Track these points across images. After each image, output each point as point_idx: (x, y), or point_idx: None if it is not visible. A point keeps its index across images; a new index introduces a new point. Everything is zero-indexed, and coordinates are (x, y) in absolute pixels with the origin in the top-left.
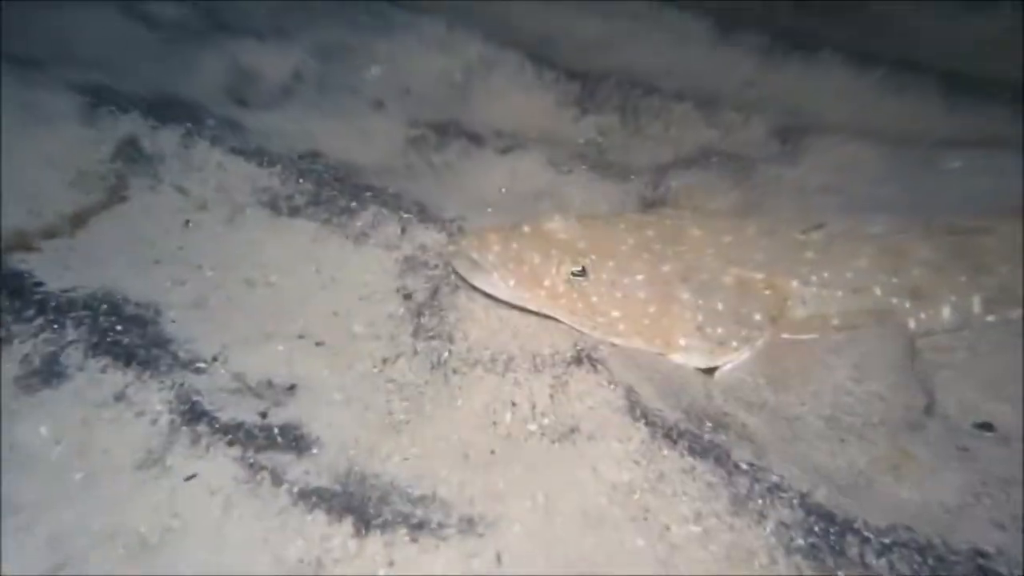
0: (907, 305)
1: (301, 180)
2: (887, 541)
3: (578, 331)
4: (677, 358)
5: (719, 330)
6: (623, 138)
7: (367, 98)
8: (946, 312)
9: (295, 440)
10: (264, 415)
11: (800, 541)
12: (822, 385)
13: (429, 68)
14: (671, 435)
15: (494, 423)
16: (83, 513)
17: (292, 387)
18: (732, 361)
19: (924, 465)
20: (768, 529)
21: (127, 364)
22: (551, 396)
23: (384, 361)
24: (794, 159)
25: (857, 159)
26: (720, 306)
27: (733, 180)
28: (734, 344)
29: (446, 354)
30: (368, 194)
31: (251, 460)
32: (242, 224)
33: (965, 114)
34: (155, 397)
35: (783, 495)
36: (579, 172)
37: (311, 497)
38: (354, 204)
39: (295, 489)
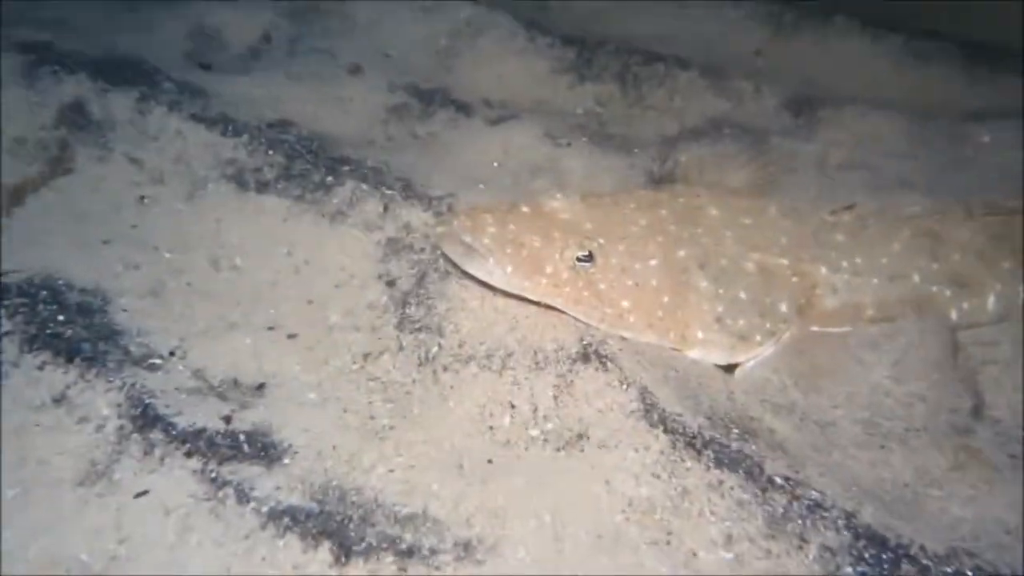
0: (948, 294)
1: (270, 151)
2: (949, 571)
3: (584, 324)
4: (694, 354)
5: (740, 322)
6: (624, 108)
7: (343, 62)
8: (991, 301)
9: (264, 449)
10: (228, 419)
11: (848, 569)
12: (857, 385)
13: (411, 31)
14: (694, 444)
15: (491, 428)
16: (16, 537)
17: (260, 386)
18: (755, 357)
19: (977, 477)
20: (811, 555)
21: (69, 360)
22: (555, 397)
23: (365, 356)
24: (809, 133)
25: (877, 132)
26: (742, 295)
27: (746, 154)
28: (757, 338)
29: (435, 349)
30: (346, 168)
31: (213, 474)
32: (204, 200)
33: (988, 84)
34: (101, 399)
35: (826, 515)
36: (579, 145)
37: (283, 518)
38: (330, 179)
39: (264, 508)
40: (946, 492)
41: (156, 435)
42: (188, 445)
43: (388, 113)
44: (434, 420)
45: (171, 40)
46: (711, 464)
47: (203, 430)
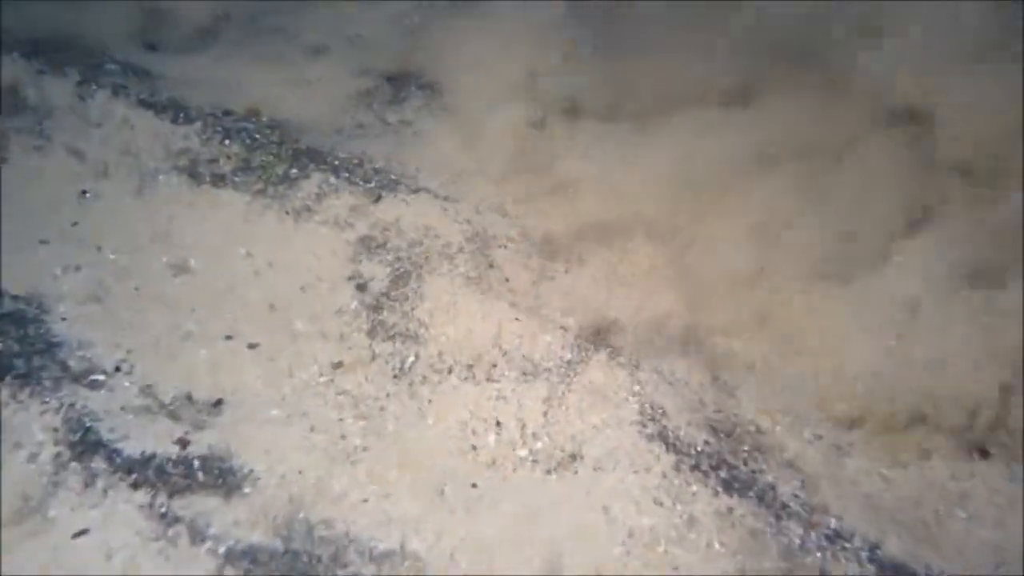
0: None
1: (227, 141)
2: None
3: (575, 329)
4: None
5: None
6: None
7: (306, 42)
8: None
9: (221, 476)
10: (183, 443)
11: None
12: None
13: (379, 8)
14: (701, 465)
15: (474, 447)
16: None
17: (218, 403)
18: None
19: (994, 492)
20: None
21: None
22: (545, 413)
23: (334, 367)
24: None
25: None
26: None
27: None
28: None
29: (412, 358)
30: (311, 159)
31: (163, 508)
32: (153, 195)
33: None
34: (36, 423)
35: (847, 546)
36: None
37: (242, 559)
38: (294, 171)
39: (221, 548)
40: (969, 515)
41: (98, 464)
42: (135, 475)
43: (356, 98)
44: (412, 439)
45: (116, 16)
46: (719, 488)
47: (152, 457)
